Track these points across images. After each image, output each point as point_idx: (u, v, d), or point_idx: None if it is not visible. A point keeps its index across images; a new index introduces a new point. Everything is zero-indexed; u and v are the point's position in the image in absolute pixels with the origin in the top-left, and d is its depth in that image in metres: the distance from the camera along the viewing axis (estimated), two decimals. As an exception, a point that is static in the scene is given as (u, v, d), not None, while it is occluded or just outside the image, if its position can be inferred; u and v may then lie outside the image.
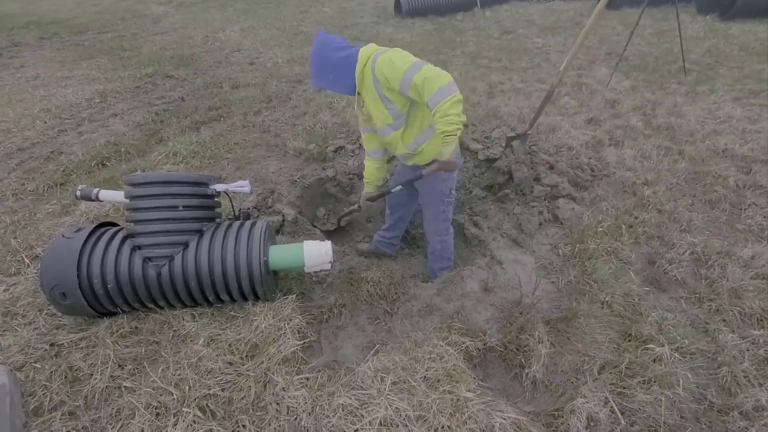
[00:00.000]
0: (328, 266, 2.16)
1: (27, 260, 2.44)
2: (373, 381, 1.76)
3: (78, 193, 2.08)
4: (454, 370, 1.80)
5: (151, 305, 1.99)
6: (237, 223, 2.11)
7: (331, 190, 3.58)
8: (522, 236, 2.91)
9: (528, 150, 3.57)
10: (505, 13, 9.98)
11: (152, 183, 1.95)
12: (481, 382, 1.87)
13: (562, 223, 2.99)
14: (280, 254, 2.09)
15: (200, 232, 2.01)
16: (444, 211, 2.49)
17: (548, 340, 2.00)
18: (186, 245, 1.95)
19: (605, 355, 1.98)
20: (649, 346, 1.99)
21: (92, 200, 2.08)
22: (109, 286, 1.86)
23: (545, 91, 3.37)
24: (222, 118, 4.71)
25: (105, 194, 2.07)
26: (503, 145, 3.54)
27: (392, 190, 2.50)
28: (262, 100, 5.25)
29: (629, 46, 5.76)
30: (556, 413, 1.76)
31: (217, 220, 2.16)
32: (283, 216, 2.89)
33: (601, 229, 2.75)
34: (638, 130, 4.33)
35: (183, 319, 2.00)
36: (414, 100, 2.01)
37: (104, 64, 6.66)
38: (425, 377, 1.77)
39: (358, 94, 2.10)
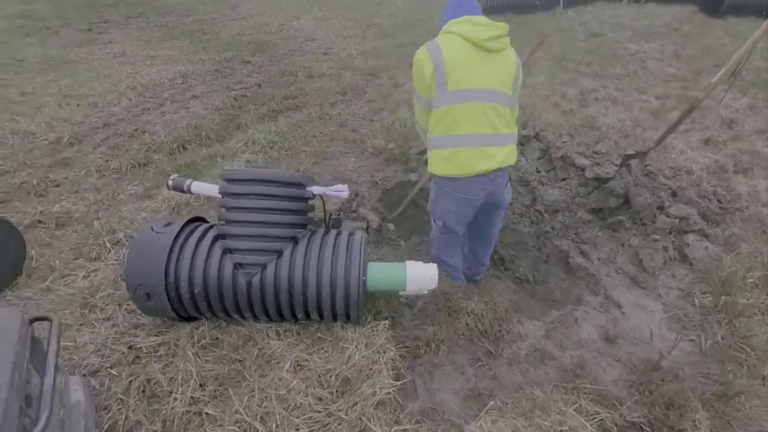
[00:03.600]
0: (426, 292, 1.87)
1: (108, 245, 2.35)
2: (488, 448, 1.44)
3: (170, 183, 1.91)
4: (591, 449, 1.45)
5: (236, 316, 1.79)
6: (333, 233, 1.86)
7: (415, 197, 3.28)
8: (643, 275, 2.46)
9: (645, 171, 3.09)
10: (590, 14, 9.20)
11: (250, 181, 1.74)
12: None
13: (691, 264, 2.51)
14: (380, 274, 1.81)
15: (295, 240, 1.78)
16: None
17: (707, 426, 1.59)
18: (280, 253, 1.73)
19: (781, 453, 1.55)
20: None
21: (183, 192, 1.91)
22: (196, 291, 1.67)
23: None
24: (298, 108, 4.56)
25: (198, 187, 1.89)
26: (617, 163, 3.08)
27: None
28: (338, 92, 5.05)
29: (743, 60, 4.98)
30: None
31: (309, 227, 1.93)
32: (368, 223, 2.63)
33: (751, 279, 2.26)
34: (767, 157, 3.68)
35: (268, 336, 1.78)
36: None
37: (186, 45, 6.75)
38: (555, 454, 1.43)
39: None
